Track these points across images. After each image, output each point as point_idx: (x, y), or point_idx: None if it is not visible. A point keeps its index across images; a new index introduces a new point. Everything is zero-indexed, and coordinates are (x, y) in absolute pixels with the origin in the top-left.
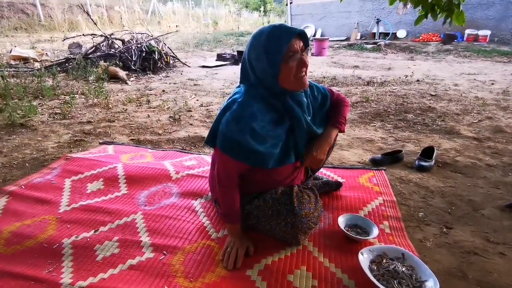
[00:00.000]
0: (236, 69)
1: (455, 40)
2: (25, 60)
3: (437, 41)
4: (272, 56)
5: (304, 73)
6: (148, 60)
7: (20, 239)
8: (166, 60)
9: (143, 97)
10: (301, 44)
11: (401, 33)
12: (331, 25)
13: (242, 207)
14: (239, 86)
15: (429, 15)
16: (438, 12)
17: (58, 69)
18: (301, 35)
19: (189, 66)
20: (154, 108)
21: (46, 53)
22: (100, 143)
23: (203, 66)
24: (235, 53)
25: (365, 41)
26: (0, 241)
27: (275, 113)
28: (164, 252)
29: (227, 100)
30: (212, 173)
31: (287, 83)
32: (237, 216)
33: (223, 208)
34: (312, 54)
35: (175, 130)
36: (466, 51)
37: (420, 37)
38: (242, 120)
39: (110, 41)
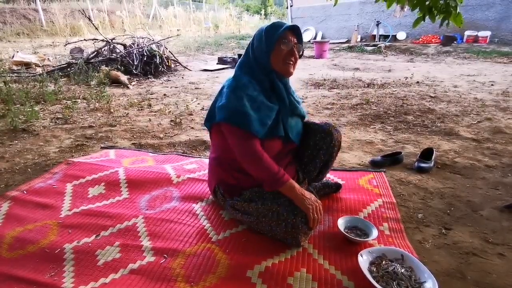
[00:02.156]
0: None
1: (455, 42)
2: (27, 65)
3: (436, 43)
4: (270, 37)
5: (292, 62)
6: (150, 64)
7: (22, 244)
8: (167, 64)
9: (144, 101)
10: (295, 39)
11: (401, 35)
12: (331, 27)
13: (240, 204)
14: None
15: (427, 18)
16: (435, 14)
17: (60, 74)
18: (296, 31)
19: (190, 70)
20: (155, 112)
21: (48, 58)
22: (102, 148)
23: (204, 70)
24: (236, 56)
25: (365, 43)
26: (3, 246)
27: (264, 88)
28: (165, 255)
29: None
30: (212, 156)
31: (277, 64)
32: (283, 173)
33: (265, 175)
34: (313, 57)
35: (176, 134)
36: (465, 52)
37: (420, 39)
38: (237, 89)
39: (112, 45)
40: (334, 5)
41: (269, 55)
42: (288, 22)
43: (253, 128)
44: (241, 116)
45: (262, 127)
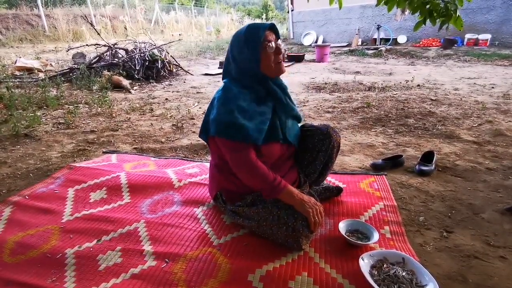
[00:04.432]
0: None
1: (455, 45)
2: (30, 70)
3: (437, 46)
4: (252, 44)
5: (281, 60)
6: (151, 68)
7: (24, 249)
8: (169, 68)
9: (146, 105)
10: (274, 36)
11: (402, 39)
12: (332, 31)
13: (241, 209)
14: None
15: (427, 21)
16: (436, 18)
17: (62, 79)
18: (273, 28)
19: (192, 74)
20: (157, 116)
21: (51, 63)
22: (104, 152)
23: (206, 74)
24: None
25: (366, 47)
26: (5, 251)
27: (256, 95)
28: (166, 260)
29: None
30: (212, 163)
31: (268, 69)
32: (280, 180)
33: (262, 185)
34: (314, 61)
35: (177, 138)
36: (466, 55)
37: (420, 42)
38: (228, 101)
39: (114, 50)
40: (340, 8)
41: (258, 64)
42: (289, 26)
43: (250, 137)
44: (233, 129)
45: (259, 134)
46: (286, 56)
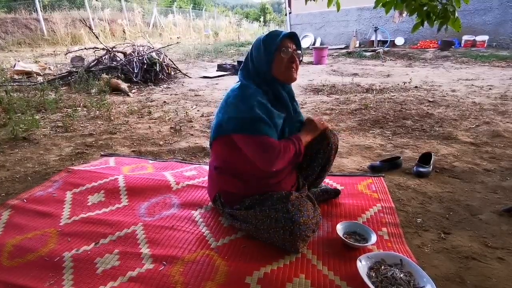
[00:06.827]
0: (237, 79)
1: (453, 46)
2: (28, 74)
3: (434, 47)
4: (268, 46)
5: (294, 68)
6: (150, 72)
7: (22, 253)
8: (167, 71)
9: (144, 108)
10: (294, 46)
11: (399, 41)
12: (330, 33)
13: (239, 213)
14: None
15: (425, 23)
16: (433, 20)
17: (61, 82)
18: (294, 38)
19: (190, 77)
20: (155, 119)
21: (49, 67)
22: (102, 155)
23: (204, 77)
24: (236, 63)
25: (364, 49)
26: (3, 254)
27: (267, 98)
28: (164, 262)
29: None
30: (212, 166)
31: (279, 72)
32: (298, 140)
33: (292, 158)
34: (312, 63)
35: (176, 141)
36: (463, 57)
37: (418, 44)
38: (247, 98)
39: (112, 54)
40: (338, 10)
41: (270, 66)
42: (287, 28)
43: (271, 131)
44: (256, 124)
45: (276, 134)
46: (301, 60)
